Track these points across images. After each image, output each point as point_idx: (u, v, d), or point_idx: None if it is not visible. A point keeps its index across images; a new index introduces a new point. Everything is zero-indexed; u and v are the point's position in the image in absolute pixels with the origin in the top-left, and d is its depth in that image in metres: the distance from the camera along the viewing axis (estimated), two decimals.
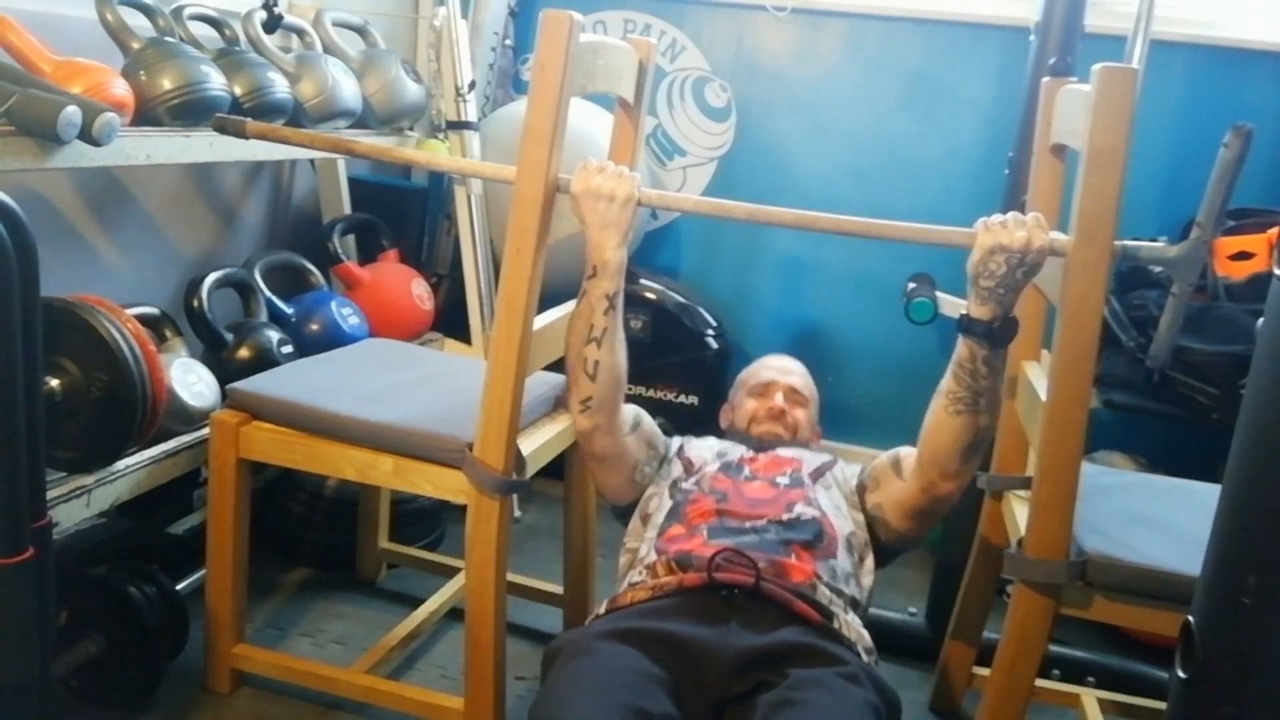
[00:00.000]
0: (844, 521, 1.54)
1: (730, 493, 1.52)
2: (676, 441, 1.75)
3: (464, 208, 2.39)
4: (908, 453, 1.57)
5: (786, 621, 1.34)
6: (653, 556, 1.46)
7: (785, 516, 1.47)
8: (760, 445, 1.73)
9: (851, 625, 1.40)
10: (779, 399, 1.79)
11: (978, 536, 1.84)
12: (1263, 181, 2.41)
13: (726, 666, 1.28)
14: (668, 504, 1.57)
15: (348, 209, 2.49)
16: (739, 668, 1.28)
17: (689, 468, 1.65)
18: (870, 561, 1.55)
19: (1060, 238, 1.32)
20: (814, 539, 1.45)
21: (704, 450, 1.70)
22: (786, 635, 1.32)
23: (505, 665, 1.65)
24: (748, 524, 1.45)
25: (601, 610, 1.46)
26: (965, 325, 1.36)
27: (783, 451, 1.68)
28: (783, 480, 1.57)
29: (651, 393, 2.71)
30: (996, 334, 1.34)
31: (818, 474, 1.62)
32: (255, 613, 2.01)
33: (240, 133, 1.61)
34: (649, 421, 1.68)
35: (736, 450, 1.69)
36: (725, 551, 1.38)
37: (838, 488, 1.62)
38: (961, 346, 1.37)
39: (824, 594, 1.40)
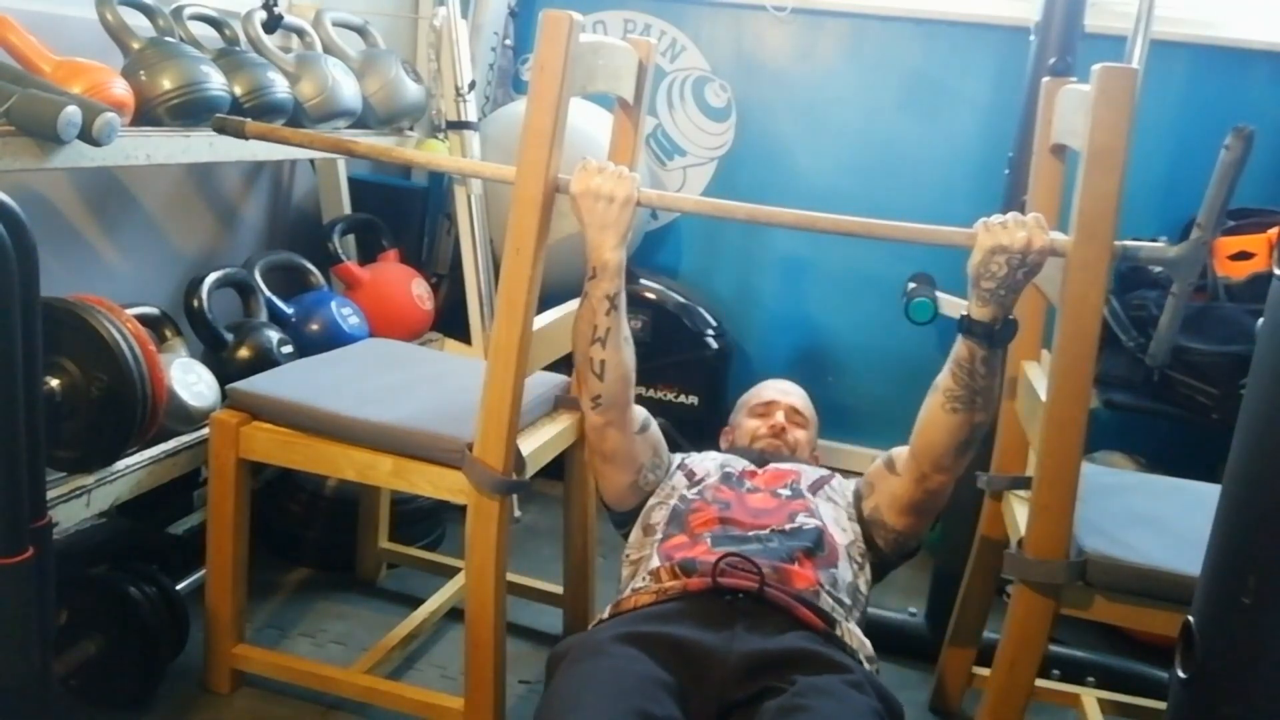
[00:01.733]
0: (844, 533, 1.55)
1: (733, 503, 1.53)
2: (679, 456, 1.76)
3: (464, 208, 2.39)
4: (900, 450, 1.58)
5: (790, 628, 1.34)
6: (656, 562, 1.46)
7: (788, 526, 1.47)
8: (762, 459, 1.74)
9: (853, 634, 1.40)
10: (780, 417, 1.84)
11: (978, 536, 1.85)
12: (1263, 181, 2.41)
13: (731, 671, 1.28)
14: (669, 511, 1.57)
15: (348, 209, 2.49)
16: (744, 673, 1.28)
17: (691, 478, 1.66)
18: (868, 573, 1.56)
19: (1060, 238, 1.32)
20: (816, 546, 1.46)
21: (706, 462, 1.70)
22: (791, 641, 1.31)
23: (505, 665, 1.65)
24: (751, 533, 1.45)
25: (605, 615, 1.45)
26: (965, 326, 1.36)
27: (783, 465, 1.70)
28: (784, 492, 1.58)
29: (651, 393, 2.70)
30: (996, 335, 1.35)
31: (817, 486, 1.64)
32: (255, 613, 2.01)
33: (240, 133, 1.61)
34: (656, 429, 1.69)
35: (739, 463, 1.69)
36: (730, 556, 1.37)
37: (838, 499, 1.63)
38: (961, 346, 1.37)
39: (827, 601, 1.39)
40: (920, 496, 1.53)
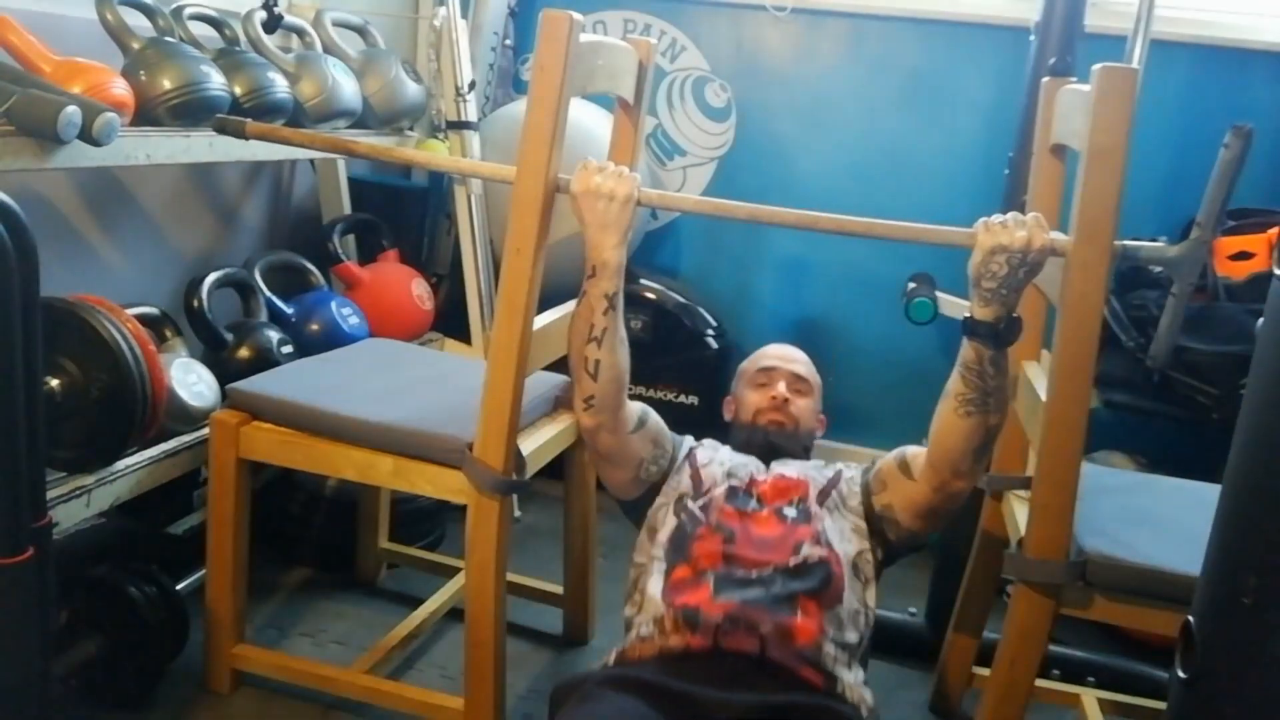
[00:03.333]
0: (849, 545, 1.52)
1: (738, 533, 1.48)
2: (686, 444, 1.69)
3: (464, 208, 2.39)
4: (915, 453, 1.54)
5: (790, 687, 1.35)
6: (660, 607, 1.44)
7: (792, 562, 1.45)
8: (766, 442, 1.68)
9: (853, 687, 1.40)
10: (781, 387, 1.73)
11: (978, 536, 1.85)
12: (1263, 181, 2.41)
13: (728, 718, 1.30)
14: (673, 523, 1.54)
15: (348, 209, 2.49)
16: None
17: (697, 483, 1.59)
18: (876, 582, 1.54)
19: (1060, 237, 1.32)
20: (821, 585, 1.43)
21: (714, 466, 1.62)
22: (789, 697, 1.34)
23: (505, 665, 1.65)
24: (754, 573, 1.43)
25: (610, 660, 1.46)
26: (970, 327, 1.35)
27: (789, 472, 1.62)
28: (790, 512, 1.52)
29: (651, 393, 2.70)
30: (1001, 334, 1.34)
31: (825, 494, 1.57)
32: (255, 613, 2.01)
33: (240, 133, 1.61)
34: (655, 420, 1.64)
35: (745, 469, 1.62)
36: (730, 615, 1.38)
37: (844, 503, 1.58)
38: (967, 349, 1.36)
39: (829, 654, 1.39)
40: (939, 502, 1.50)
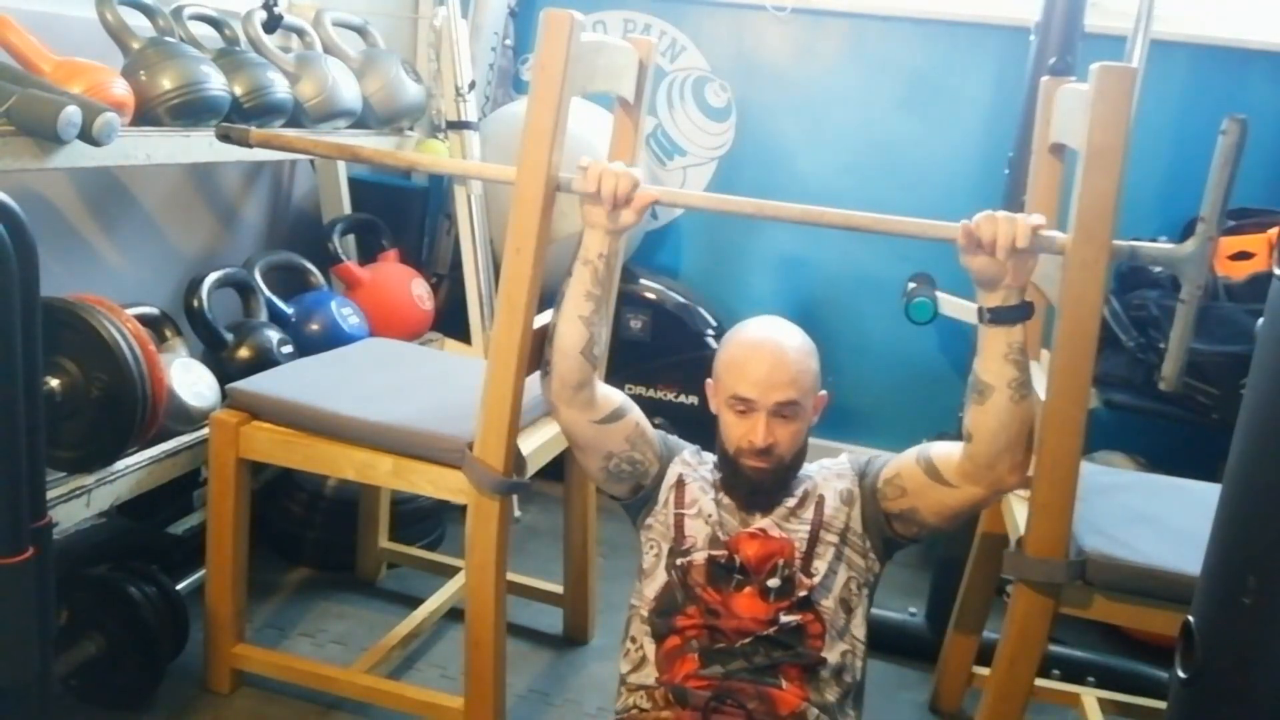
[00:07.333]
0: (837, 578, 1.46)
1: (720, 609, 1.45)
2: (676, 467, 1.54)
3: (464, 208, 2.39)
4: (942, 456, 1.42)
5: None
6: (652, 675, 1.46)
7: (772, 631, 1.43)
8: (749, 489, 1.49)
9: None
10: (760, 431, 1.44)
11: (977, 536, 1.85)
12: (1263, 181, 2.41)
13: None
14: (661, 579, 1.49)
15: (348, 209, 2.49)
16: None
17: (680, 533, 1.49)
18: (863, 608, 1.49)
19: (1059, 236, 1.32)
20: (802, 647, 1.43)
21: (698, 520, 1.50)
22: None
23: (505, 665, 1.65)
24: (737, 645, 1.43)
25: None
26: (1026, 311, 1.34)
27: (774, 530, 1.48)
28: (773, 583, 1.45)
29: (651, 392, 2.71)
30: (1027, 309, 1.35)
31: (813, 541, 1.47)
32: (255, 613, 2.01)
33: (244, 141, 1.60)
34: (635, 422, 1.52)
35: (729, 525, 1.49)
36: (718, 692, 1.41)
37: (834, 533, 1.48)
38: (1016, 332, 1.33)
39: (813, 715, 1.42)
40: (984, 500, 1.44)
